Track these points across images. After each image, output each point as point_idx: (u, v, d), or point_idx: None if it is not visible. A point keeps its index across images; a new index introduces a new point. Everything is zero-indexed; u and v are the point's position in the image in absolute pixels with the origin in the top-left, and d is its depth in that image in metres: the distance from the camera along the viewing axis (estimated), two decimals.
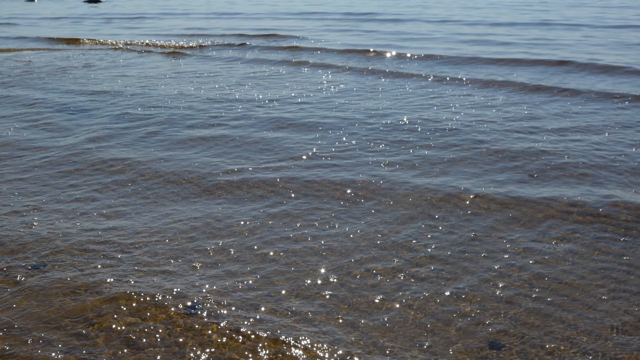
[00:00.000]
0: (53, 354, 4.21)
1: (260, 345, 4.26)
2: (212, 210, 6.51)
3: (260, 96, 11.89)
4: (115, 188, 7.20)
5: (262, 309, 4.70)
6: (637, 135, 8.79)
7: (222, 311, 4.64)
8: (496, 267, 5.25)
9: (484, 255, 5.46)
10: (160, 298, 4.80)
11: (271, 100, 11.49)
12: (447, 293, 4.89)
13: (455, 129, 9.25)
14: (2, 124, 10.19)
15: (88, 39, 22.39)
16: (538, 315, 4.59)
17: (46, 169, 7.86)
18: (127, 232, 6.00)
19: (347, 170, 7.58)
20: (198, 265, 5.36)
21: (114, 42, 21.32)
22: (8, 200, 6.86)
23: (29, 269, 5.30)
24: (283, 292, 4.94)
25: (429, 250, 5.57)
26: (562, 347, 4.24)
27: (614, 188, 6.86)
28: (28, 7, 42.14)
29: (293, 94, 12.07)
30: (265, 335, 4.35)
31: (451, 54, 16.57)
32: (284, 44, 19.89)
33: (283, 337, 4.33)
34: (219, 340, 4.32)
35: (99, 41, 21.87)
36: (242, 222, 6.18)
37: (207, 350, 4.23)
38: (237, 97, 11.89)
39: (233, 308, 4.69)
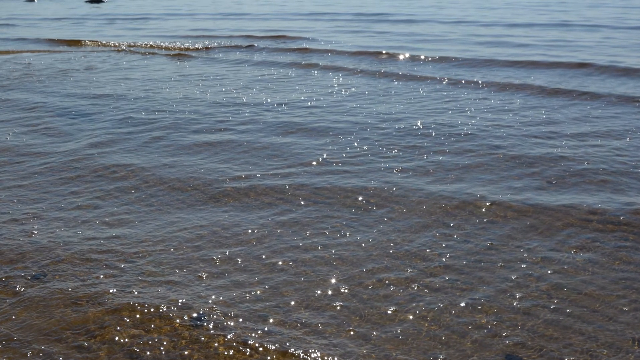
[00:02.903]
0: None
1: (269, 358, 4.20)
2: (219, 218, 6.43)
3: (269, 100, 11.83)
4: (118, 195, 7.13)
5: (271, 320, 4.63)
6: None
7: (229, 323, 4.58)
8: (513, 277, 5.17)
9: (501, 265, 5.37)
10: (164, 309, 4.74)
11: (280, 104, 11.42)
12: (463, 304, 4.81)
13: (470, 133, 9.17)
14: (1, 129, 10.13)
15: (90, 41, 22.39)
16: (557, 327, 4.52)
17: (46, 176, 7.80)
18: (131, 240, 5.93)
19: (359, 176, 7.49)
20: (204, 275, 5.28)
21: (117, 44, 21.34)
22: (7, 208, 6.80)
23: (29, 279, 5.24)
24: (292, 303, 4.87)
25: (444, 259, 5.48)
26: None
27: (636, 195, 6.76)
28: (28, 7, 42.49)
29: (302, 98, 12.00)
30: (274, 347, 4.29)
31: (466, 56, 16.53)
32: (293, 45, 19.89)
33: (292, 349, 4.27)
34: (226, 353, 4.26)
35: (101, 43, 21.88)
36: (249, 231, 6.10)
37: None
38: (244, 100, 11.83)
39: (240, 319, 4.62)
